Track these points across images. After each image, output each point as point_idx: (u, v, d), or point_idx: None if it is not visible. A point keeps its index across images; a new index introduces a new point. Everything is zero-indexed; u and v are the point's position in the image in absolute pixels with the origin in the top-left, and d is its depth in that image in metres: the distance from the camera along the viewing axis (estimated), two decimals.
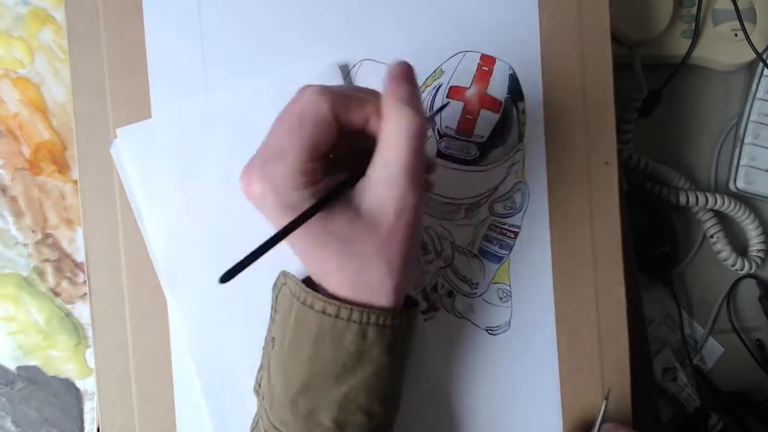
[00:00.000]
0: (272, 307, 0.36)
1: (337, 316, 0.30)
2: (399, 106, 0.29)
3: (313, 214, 0.29)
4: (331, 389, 0.31)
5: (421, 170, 0.30)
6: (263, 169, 0.29)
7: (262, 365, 0.36)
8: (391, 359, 0.32)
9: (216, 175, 0.40)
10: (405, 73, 0.30)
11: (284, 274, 0.34)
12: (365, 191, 0.30)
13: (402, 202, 0.29)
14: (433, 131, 0.42)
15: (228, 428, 0.40)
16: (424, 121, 0.29)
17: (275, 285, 0.36)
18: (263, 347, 0.36)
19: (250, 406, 0.37)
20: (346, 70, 0.41)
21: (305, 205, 0.29)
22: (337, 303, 0.30)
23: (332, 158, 0.32)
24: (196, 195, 0.40)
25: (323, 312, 0.31)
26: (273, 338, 0.34)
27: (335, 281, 0.31)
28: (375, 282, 0.31)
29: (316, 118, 0.29)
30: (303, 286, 0.32)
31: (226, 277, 0.27)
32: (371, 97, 0.31)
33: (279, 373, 0.33)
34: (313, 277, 0.33)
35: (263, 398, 0.34)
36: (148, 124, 0.40)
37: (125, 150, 0.40)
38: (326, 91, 0.29)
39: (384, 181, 0.29)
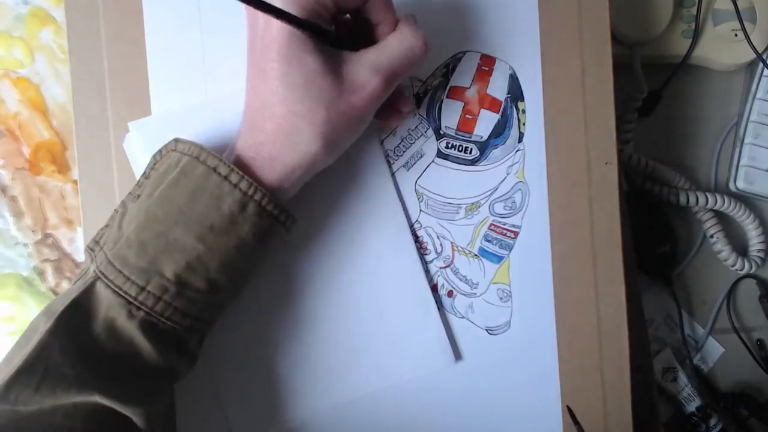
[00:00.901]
0: (144, 174, 0.34)
1: (226, 177, 0.31)
2: (416, 27, 0.34)
3: (291, 21, 0.30)
4: (187, 244, 0.31)
5: (398, 81, 0.34)
6: None
7: (105, 226, 0.34)
8: (257, 244, 0.32)
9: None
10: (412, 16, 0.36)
11: (176, 140, 0.34)
12: (349, 62, 0.33)
13: (374, 88, 0.32)
14: (434, 132, 0.42)
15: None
16: (426, 46, 0.34)
17: (158, 151, 0.34)
18: (111, 215, 0.34)
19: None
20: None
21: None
22: (231, 165, 0.31)
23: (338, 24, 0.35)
24: None
25: (214, 169, 0.31)
26: (138, 195, 0.33)
27: (268, 114, 0.32)
28: (307, 136, 0.32)
29: None
30: (202, 145, 0.32)
31: None
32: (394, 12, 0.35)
33: (139, 216, 0.32)
34: (246, 113, 0.33)
35: (102, 245, 0.33)
36: (159, 117, 0.39)
37: (138, 143, 0.39)
38: None
39: (372, 65, 0.33)
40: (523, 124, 0.42)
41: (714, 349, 0.55)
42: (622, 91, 0.50)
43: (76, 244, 0.46)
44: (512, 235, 0.43)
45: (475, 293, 0.42)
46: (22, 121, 0.46)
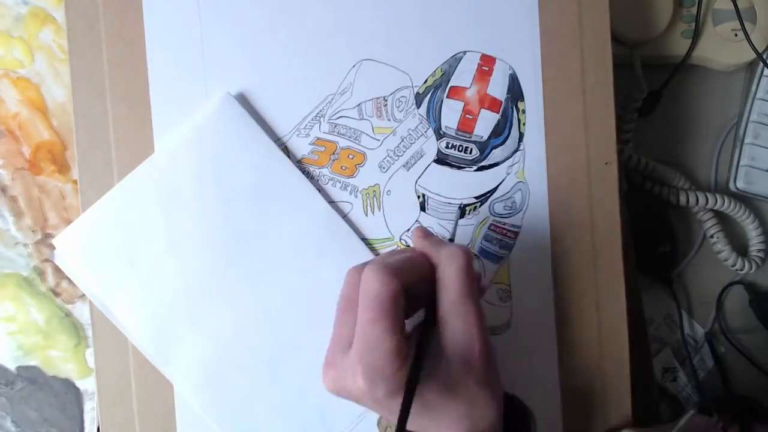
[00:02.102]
0: None
1: None
2: (444, 248, 0.34)
3: (418, 379, 0.30)
4: None
5: (477, 291, 0.33)
6: (365, 364, 0.30)
7: None
8: None
9: (166, 241, 0.40)
10: (424, 229, 0.37)
11: (388, 421, 0.35)
12: (443, 332, 0.32)
13: (477, 325, 0.32)
14: (434, 132, 0.42)
15: None
16: (470, 253, 0.33)
17: (379, 423, 0.36)
18: None
19: None
20: (242, 99, 0.41)
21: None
22: None
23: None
24: (155, 269, 0.40)
25: None
26: None
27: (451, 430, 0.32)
28: (484, 410, 0.32)
29: (393, 296, 0.31)
30: None
31: None
32: (416, 255, 0.34)
33: None
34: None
35: None
36: (78, 225, 0.40)
37: (69, 257, 0.40)
38: (391, 268, 0.31)
39: (456, 315, 0.32)
40: (523, 124, 0.42)
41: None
42: (622, 91, 0.50)
43: None
44: (512, 235, 0.43)
45: None
46: (22, 121, 0.46)
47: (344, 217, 0.41)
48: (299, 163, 0.41)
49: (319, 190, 0.41)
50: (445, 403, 0.31)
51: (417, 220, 0.42)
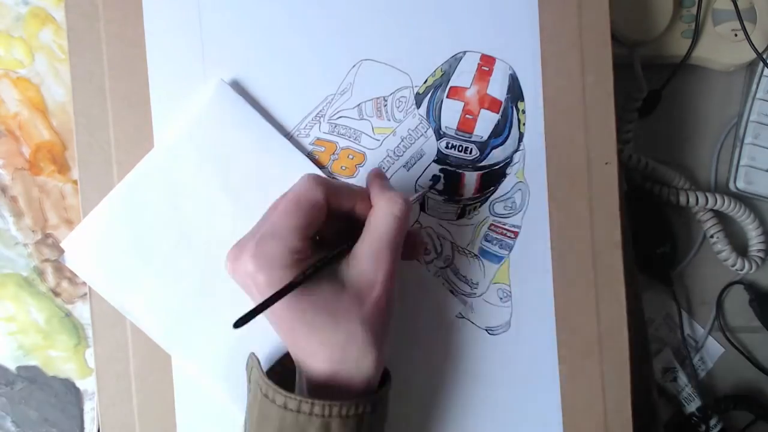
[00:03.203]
0: (247, 386, 0.36)
1: (298, 411, 0.31)
2: (388, 191, 0.35)
3: (298, 285, 0.31)
4: None
5: (401, 245, 0.34)
6: (257, 247, 0.31)
7: None
8: None
9: (176, 234, 0.40)
10: (380, 172, 0.38)
11: (252, 356, 0.35)
12: (351, 266, 0.33)
13: (383, 274, 0.33)
14: (434, 132, 0.42)
15: None
16: (410, 204, 0.34)
17: (247, 364, 0.36)
18: (244, 422, 0.36)
19: None
20: (237, 86, 0.40)
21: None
22: (298, 397, 0.31)
23: (318, 240, 0.35)
24: (168, 263, 0.40)
25: (284, 407, 0.31)
26: (245, 421, 0.35)
27: (319, 358, 0.32)
28: (359, 353, 0.32)
29: (311, 201, 0.33)
30: (264, 377, 0.32)
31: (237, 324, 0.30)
32: (358, 187, 0.36)
33: None
34: (296, 357, 0.33)
35: None
36: (85, 226, 0.40)
37: (80, 260, 0.40)
38: (321, 180, 0.33)
39: (369, 256, 0.33)
40: (523, 124, 0.42)
41: (714, 349, 0.55)
42: (622, 91, 0.50)
43: None
44: (512, 235, 0.43)
45: (475, 293, 0.42)
46: (22, 121, 0.46)
47: None
48: None
49: None
50: (322, 324, 0.32)
51: (417, 221, 0.42)
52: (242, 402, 0.38)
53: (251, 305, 0.31)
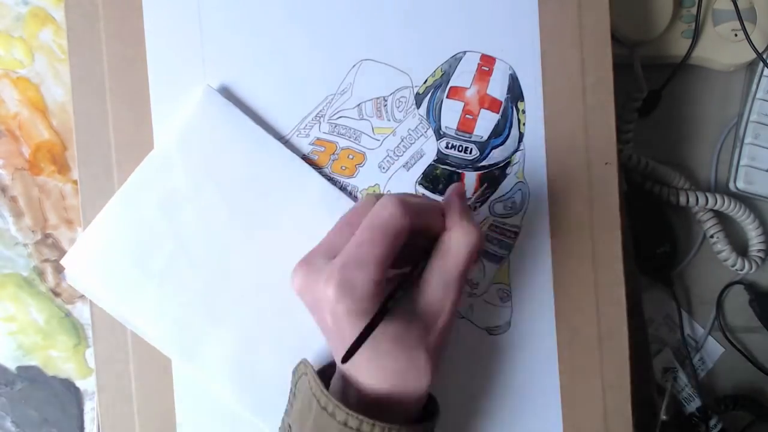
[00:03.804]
0: (291, 390, 0.36)
1: (358, 430, 0.31)
2: (466, 221, 0.33)
3: (382, 318, 0.30)
4: None
5: (467, 275, 0.33)
6: (343, 274, 0.30)
7: None
8: None
9: (174, 243, 0.40)
10: (463, 192, 0.36)
11: (304, 363, 0.35)
12: (421, 293, 0.32)
13: (453, 305, 0.33)
14: (434, 132, 0.42)
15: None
16: (483, 237, 0.34)
17: (295, 370, 0.36)
18: (280, 427, 0.36)
19: None
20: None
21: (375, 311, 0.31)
22: (359, 417, 0.30)
23: None
24: (168, 272, 0.40)
25: (345, 424, 0.31)
26: (290, 426, 0.34)
27: (377, 380, 0.32)
28: (417, 377, 0.32)
29: (398, 231, 0.31)
30: (323, 388, 0.32)
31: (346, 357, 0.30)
32: (434, 204, 0.34)
33: None
34: (348, 372, 0.33)
35: None
36: (83, 241, 0.40)
37: (80, 276, 0.40)
38: (407, 206, 0.31)
39: (442, 286, 0.32)
40: (523, 124, 0.42)
41: (714, 349, 0.55)
42: (622, 91, 0.50)
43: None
44: (512, 235, 0.43)
45: (475, 293, 0.42)
46: (22, 121, 0.46)
47: (342, 189, 0.41)
48: None
49: None
50: (390, 351, 0.31)
51: None
52: (251, 406, 0.39)
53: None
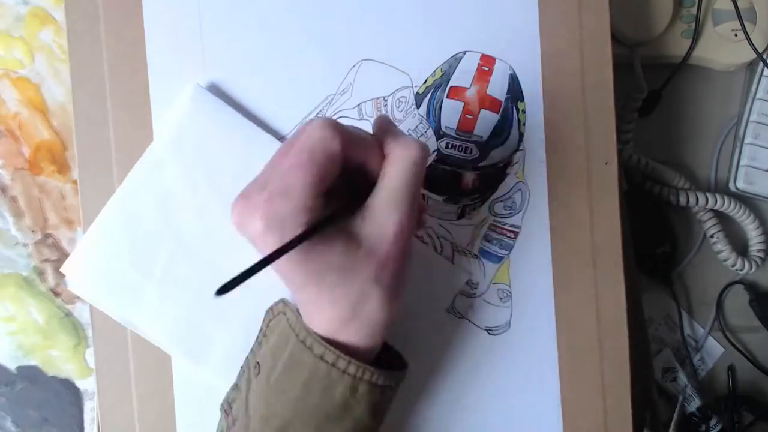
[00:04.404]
0: (261, 330, 0.35)
1: (333, 365, 0.30)
2: (403, 137, 0.32)
3: (306, 239, 0.28)
4: None
5: (419, 199, 0.31)
6: (267, 206, 0.28)
7: (237, 386, 0.35)
8: (372, 419, 0.32)
9: (172, 244, 0.40)
10: (389, 118, 0.34)
11: (284, 302, 0.34)
12: (364, 219, 0.31)
13: (401, 226, 0.30)
14: (434, 132, 0.42)
15: None
16: (427, 149, 0.31)
17: (270, 309, 0.35)
18: (242, 367, 0.35)
19: None
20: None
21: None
22: (336, 352, 0.30)
23: (326, 192, 0.31)
24: (168, 274, 0.40)
25: (321, 357, 0.30)
26: (258, 364, 0.33)
27: (326, 316, 0.31)
28: (371, 313, 0.31)
29: (327, 154, 0.29)
30: (304, 323, 0.32)
31: (221, 291, 0.28)
32: (370, 135, 0.32)
33: (260, 404, 0.32)
34: (304, 313, 0.32)
35: (234, 422, 0.34)
36: (82, 247, 0.40)
37: (81, 282, 0.40)
38: (338, 127, 0.30)
39: (386, 206, 0.30)
40: (523, 124, 0.42)
41: (714, 349, 0.55)
42: (622, 91, 0.50)
43: (76, 244, 0.46)
44: (512, 235, 0.43)
45: (475, 293, 0.42)
46: (22, 121, 0.46)
47: None
48: None
49: None
50: (333, 283, 0.30)
51: None
52: None
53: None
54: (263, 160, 0.40)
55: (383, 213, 0.30)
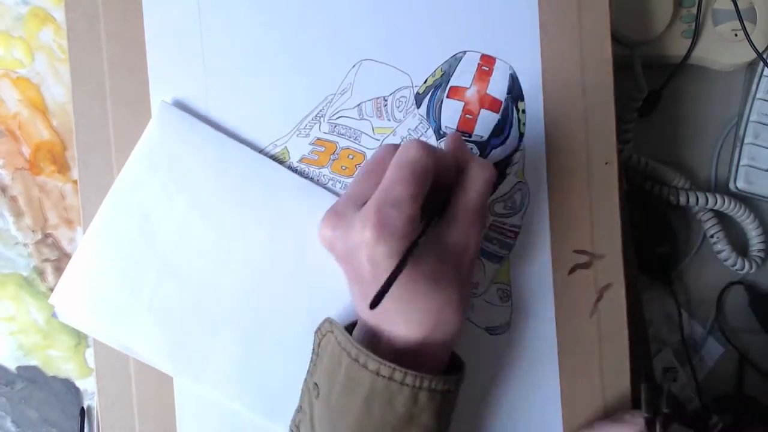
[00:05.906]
0: (314, 351, 0.36)
1: (390, 378, 0.31)
2: (480, 160, 0.35)
3: (417, 246, 0.30)
4: None
5: (487, 209, 0.35)
6: (378, 216, 0.30)
7: (301, 408, 0.36)
8: (438, 423, 0.33)
9: (158, 264, 0.40)
10: (463, 140, 0.37)
11: (330, 321, 0.35)
12: (450, 229, 0.33)
13: (478, 236, 0.34)
14: (434, 132, 0.42)
15: None
16: (495, 171, 0.35)
17: (319, 329, 0.36)
18: (303, 389, 0.36)
19: None
20: (182, 106, 0.40)
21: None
22: (391, 365, 0.31)
23: None
24: (157, 294, 0.40)
25: (377, 373, 0.31)
26: (316, 385, 0.34)
27: (413, 324, 0.32)
28: (450, 317, 0.33)
29: (426, 170, 0.32)
30: (352, 341, 0.32)
31: (374, 305, 0.29)
32: (447, 153, 0.35)
33: (325, 425, 0.33)
34: (378, 323, 0.33)
35: None
36: (68, 277, 0.39)
37: (70, 312, 0.40)
38: (429, 147, 0.33)
39: (467, 218, 0.33)
40: (523, 124, 0.42)
41: (714, 349, 0.55)
42: (622, 91, 0.50)
43: (76, 243, 0.46)
44: (512, 235, 0.43)
45: (475, 293, 0.42)
46: (22, 121, 0.46)
47: (316, 182, 0.41)
48: (299, 163, 0.41)
49: None
50: (424, 290, 0.32)
51: None
52: (264, 411, 0.39)
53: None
54: (235, 168, 0.40)
55: (467, 224, 0.33)
